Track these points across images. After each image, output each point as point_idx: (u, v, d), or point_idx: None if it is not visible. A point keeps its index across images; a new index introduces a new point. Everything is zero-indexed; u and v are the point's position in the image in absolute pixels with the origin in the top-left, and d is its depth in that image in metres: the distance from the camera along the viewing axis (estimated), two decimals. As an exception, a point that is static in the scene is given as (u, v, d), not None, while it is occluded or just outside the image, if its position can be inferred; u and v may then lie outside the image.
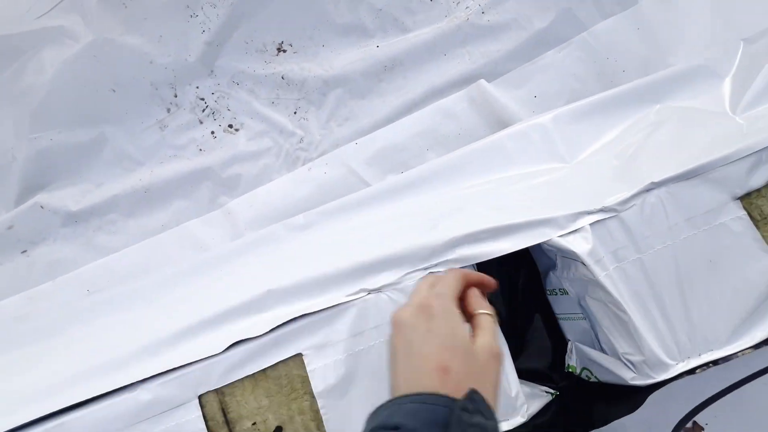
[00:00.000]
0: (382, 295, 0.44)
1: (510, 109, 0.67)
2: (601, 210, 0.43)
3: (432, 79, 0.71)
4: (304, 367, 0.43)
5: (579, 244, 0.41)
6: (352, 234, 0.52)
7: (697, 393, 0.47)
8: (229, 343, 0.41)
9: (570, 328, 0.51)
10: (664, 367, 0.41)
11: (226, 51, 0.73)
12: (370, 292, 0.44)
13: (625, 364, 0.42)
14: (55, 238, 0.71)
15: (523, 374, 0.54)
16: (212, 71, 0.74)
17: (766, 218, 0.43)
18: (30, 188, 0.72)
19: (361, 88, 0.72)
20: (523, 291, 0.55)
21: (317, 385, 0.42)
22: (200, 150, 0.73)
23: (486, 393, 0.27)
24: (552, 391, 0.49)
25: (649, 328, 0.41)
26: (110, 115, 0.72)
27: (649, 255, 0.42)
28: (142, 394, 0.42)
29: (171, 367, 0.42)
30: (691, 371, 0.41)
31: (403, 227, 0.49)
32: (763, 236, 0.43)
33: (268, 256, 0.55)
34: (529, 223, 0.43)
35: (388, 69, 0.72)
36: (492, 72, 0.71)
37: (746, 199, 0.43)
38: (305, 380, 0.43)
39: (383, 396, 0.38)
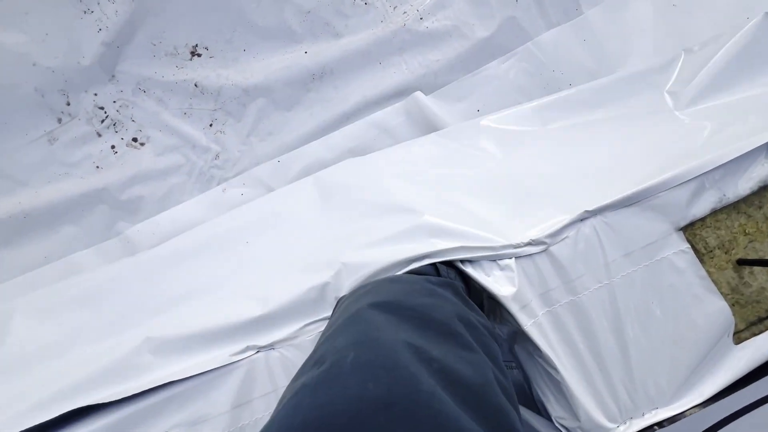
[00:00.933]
0: (274, 354, 0.37)
1: (450, 124, 0.62)
2: (529, 243, 0.37)
3: (365, 90, 0.65)
4: (172, 450, 0.34)
5: (502, 286, 0.36)
6: (246, 270, 0.44)
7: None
8: (67, 410, 0.32)
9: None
10: (604, 431, 0.36)
11: (129, 53, 0.64)
12: (259, 350, 0.37)
13: (560, 430, 0.36)
14: None
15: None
16: (113, 76, 0.64)
17: (711, 251, 0.39)
18: None
19: (286, 99, 0.65)
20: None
21: (187, 473, 0.34)
22: (97, 167, 0.63)
23: None
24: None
25: (585, 387, 0.36)
26: (-15, 126, 0.62)
27: (584, 297, 0.37)
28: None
29: None
30: (635, 435, 0.36)
31: (305, 262, 0.41)
32: (709, 272, 0.38)
33: (156, 288, 0.46)
34: (445, 251, 0.37)
35: (317, 78, 0.65)
36: (431, 83, 0.65)
37: (689, 229, 0.39)
38: (173, 466, 0.34)
39: None
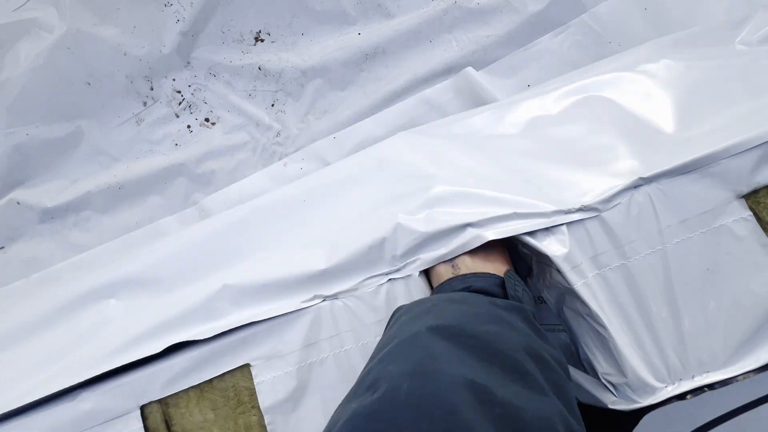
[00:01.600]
0: (338, 303, 0.41)
1: (499, 98, 0.62)
2: (580, 209, 0.38)
3: (416, 68, 0.67)
4: (252, 380, 0.40)
5: (553, 247, 0.37)
6: (312, 230, 0.49)
7: (692, 419, 0.42)
8: (168, 344, 0.39)
9: (554, 339, 0.46)
10: (651, 390, 0.37)
11: (201, 41, 0.71)
12: (325, 299, 0.41)
13: (606, 386, 0.38)
14: (32, 235, 0.71)
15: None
16: (189, 63, 0.72)
17: (776, 221, 0.38)
18: (6, 184, 0.72)
19: (340, 79, 0.69)
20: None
21: (264, 399, 0.40)
22: (176, 145, 0.71)
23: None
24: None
25: (633, 346, 0.37)
26: (86, 109, 0.71)
27: (635, 261, 0.38)
28: (83, 402, 0.40)
29: (113, 372, 0.40)
30: (682, 396, 0.37)
31: (364, 222, 0.45)
32: (773, 241, 0.37)
33: (229, 244, 0.52)
34: (497, 217, 0.39)
35: (370, 57, 0.68)
36: (481, 60, 0.66)
37: (752, 197, 0.38)
38: (252, 393, 0.40)
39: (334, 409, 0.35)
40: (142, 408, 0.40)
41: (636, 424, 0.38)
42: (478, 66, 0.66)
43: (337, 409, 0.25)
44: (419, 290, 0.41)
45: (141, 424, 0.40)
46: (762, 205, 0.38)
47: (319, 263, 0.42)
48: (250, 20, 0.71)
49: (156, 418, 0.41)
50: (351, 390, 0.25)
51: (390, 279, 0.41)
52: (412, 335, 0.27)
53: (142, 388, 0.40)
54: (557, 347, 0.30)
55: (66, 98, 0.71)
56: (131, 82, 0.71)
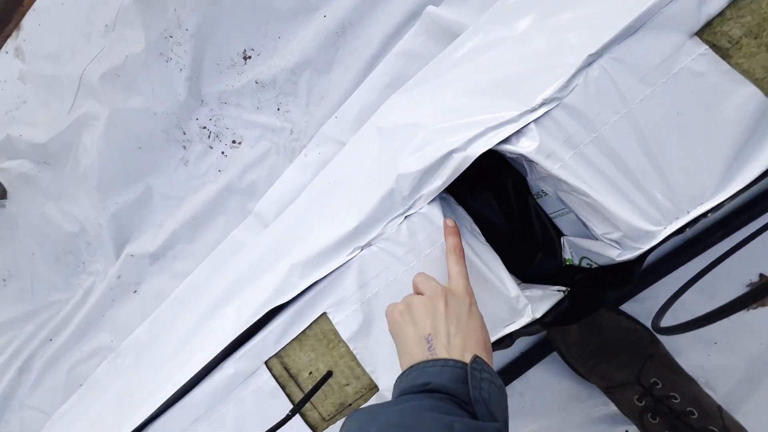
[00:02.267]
0: (373, 248, 0.51)
1: (467, 25, 0.65)
2: (543, 104, 0.42)
3: (383, 27, 0.71)
4: (331, 323, 0.52)
5: (525, 145, 0.42)
6: (335, 200, 0.58)
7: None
8: (266, 311, 0.52)
9: (563, 224, 0.52)
10: (650, 234, 0.42)
11: (204, 79, 0.82)
12: (362, 248, 0.51)
13: (609, 243, 0.43)
14: (151, 275, 0.91)
15: (540, 279, 0.57)
16: (202, 100, 0.84)
17: (738, 43, 0.39)
18: (119, 244, 0.92)
19: (323, 64, 0.76)
20: (516, 199, 0.57)
21: (344, 333, 0.52)
22: (219, 171, 0.85)
23: (484, 356, 0.35)
24: (563, 288, 0.52)
25: (621, 203, 0.41)
26: (146, 169, 0.88)
27: (606, 131, 0.41)
28: (227, 369, 0.56)
29: (238, 344, 0.54)
30: (681, 229, 0.41)
31: (375, 181, 0.54)
32: (737, 64, 0.39)
33: (287, 239, 0.65)
34: (474, 137, 0.45)
35: (341, 35, 0.74)
36: (439, -8, 0.68)
37: (707, 30, 0.39)
38: (335, 332, 0.53)
39: None
40: (266, 363, 0.55)
41: (643, 262, 0.43)
42: (438, 1, 0.68)
43: None
44: (432, 217, 0.48)
45: (269, 374, 0.55)
46: (718, 34, 0.39)
47: (352, 224, 0.52)
48: (233, 44, 0.80)
49: (278, 367, 0.55)
50: None
51: (406, 217, 0.49)
52: None
53: (260, 350, 0.55)
54: None
55: (129, 165, 0.87)
56: (168, 134, 0.85)
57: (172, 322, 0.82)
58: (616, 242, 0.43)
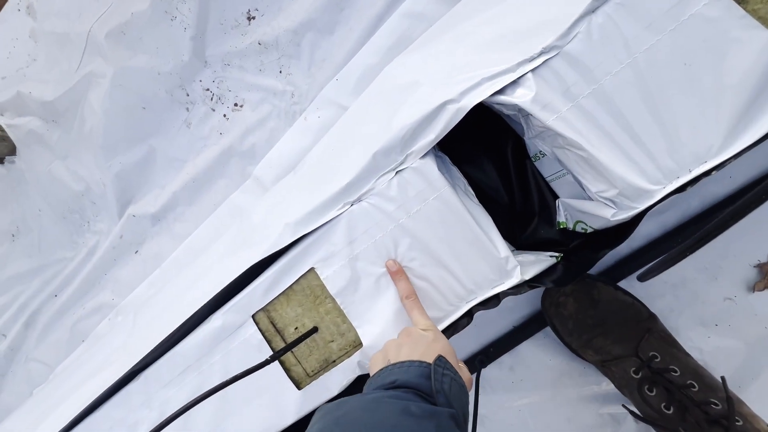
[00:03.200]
0: (363, 204, 0.50)
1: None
2: (541, 53, 0.40)
3: (389, -14, 0.69)
4: (319, 278, 0.52)
5: (520, 95, 0.41)
6: (333, 160, 0.57)
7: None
8: (252, 264, 0.52)
9: (560, 187, 0.50)
10: (647, 193, 0.40)
11: (209, 39, 0.81)
12: (352, 203, 0.50)
13: (604, 202, 0.41)
14: (152, 236, 0.93)
15: (536, 245, 0.56)
16: (206, 62, 0.83)
17: (755, -12, 0.36)
18: (122, 204, 0.93)
19: (326, 24, 0.74)
20: (514, 164, 0.55)
21: (332, 288, 0.51)
22: (220, 134, 0.85)
23: (448, 357, 0.38)
24: (557, 254, 0.50)
25: (618, 158, 0.39)
26: (150, 129, 0.88)
27: (607, 82, 0.39)
28: (215, 322, 0.56)
29: (226, 298, 0.55)
30: (681, 188, 0.39)
31: (371, 140, 0.53)
32: (753, 11, 0.36)
33: (282, 201, 0.64)
34: (469, 88, 0.43)
35: (345, -6, 0.72)
36: (447, -50, 0.66)
37: (722, -26, 0.36)
38: (323, 287, 0.52)
39: (387, 284, 0.47)
40: (253, 317, 0.55)
41: (638, 223, 0.41)
42: (446, -42, 0.66)
43: None
44: (425, 173, 0.47)
45: (256, 327, 0.55)
46: (735, -24, 0.36)
47: (344, 180, 0.51)
48: (238, 4, 0.79)
49: (264, 321, 0.55)
50: None
51: (397, 172, 0.48)
52: None
53: (247, 304, 0.55)
54: None
55: (133, 125, 0.88)
56: (172, 95, 0.85)
57: (170, 282, 0.83)
58: (612, 201, 0.41)
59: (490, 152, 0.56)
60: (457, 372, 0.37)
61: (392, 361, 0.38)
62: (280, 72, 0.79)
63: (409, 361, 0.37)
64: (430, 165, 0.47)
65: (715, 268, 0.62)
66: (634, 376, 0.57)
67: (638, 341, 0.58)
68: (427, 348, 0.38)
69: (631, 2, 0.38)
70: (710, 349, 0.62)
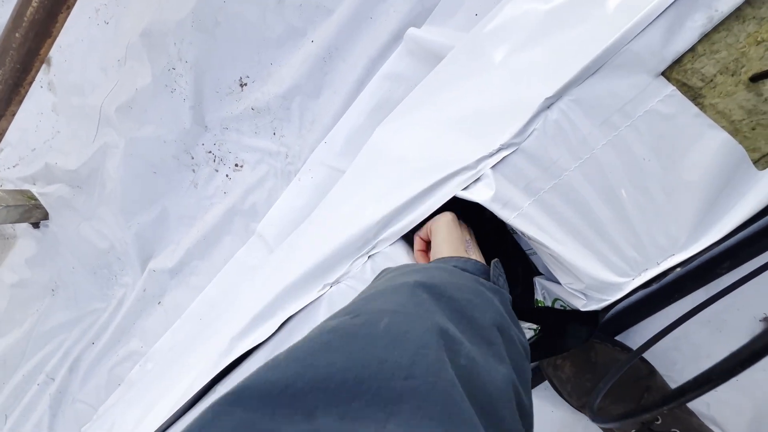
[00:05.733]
0: (341, 285, 0.52)
1: (451, 45, 0.63)
2: (500, 149, 0.41)
3: (368, 50, 0.70)
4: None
5: (481, 193, 0.41)
6: (316, 237, 0.60)
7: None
8: (241, 353, 0.55)
9: (537, 262, 0.50)
10: (615, 286, 0.39)
11: (206, 107, 0.85)
12: (331, 285, 0.53)
13: (573, 293, 0.41)
14: (171, 289, 0.99)
15: (519, 314, 0.56)
16: (206, 127, 0.88)
17: (712, 80, 0.35)
18: (143, 260, 1.00)
19: (313, 88, 0.76)
20: (495, 233, 0.55)
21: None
22: (224, 193, 0.89)
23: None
24: (534, 326, 0.50)
25: (585, 254, 0.39)
26: (162, 191, 0.94)
27: (567, 177, 0.39)
28: (219, 395, 0.60)
29: (220, 375, 0.58)
30: (648, 283, 0.38)
31: (346, 218, 0.55)
32: (711, 105, 0.35)
33: (270, 274, 0.67)
34: (434, 185, 0.44)
35: (327, 59, 0.74)
36: (422, 13, 0.66)
37: (675, 68, 0.35)
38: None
39: None
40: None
41: (611, 310, 0.41)
42: (421, 20, 0.66)
43: (318, 326, 0.26)
44: (395, 257, 0.49)
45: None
46: (689, 72, 0.35)
47: (319, 259, 0.53)
48: (230, 73, 0.82)
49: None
50: (333, 314, 0.27)
51: (369, 256, 0.50)
52: (399, 284, 0.28)
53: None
54: (521, 330, 0.32)
55: (147, 188, 0.94)
56: (178, 159, 0.91)
57: (189, 335, 0.88)
58: (581, 293, 0.41)
59: (470, 218, 0.57)
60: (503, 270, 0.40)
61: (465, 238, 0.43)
62: (274, 134, 0.83)
63: (465, 257, 0.39)
64: (400, 249, 0.49)
65: (719, 321, 0.59)
66: (633, 437, 0.56)
67: (638, 401, 0.57)
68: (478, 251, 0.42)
69: (583, 98, 0.38)
70: (716, 403, 0.60)
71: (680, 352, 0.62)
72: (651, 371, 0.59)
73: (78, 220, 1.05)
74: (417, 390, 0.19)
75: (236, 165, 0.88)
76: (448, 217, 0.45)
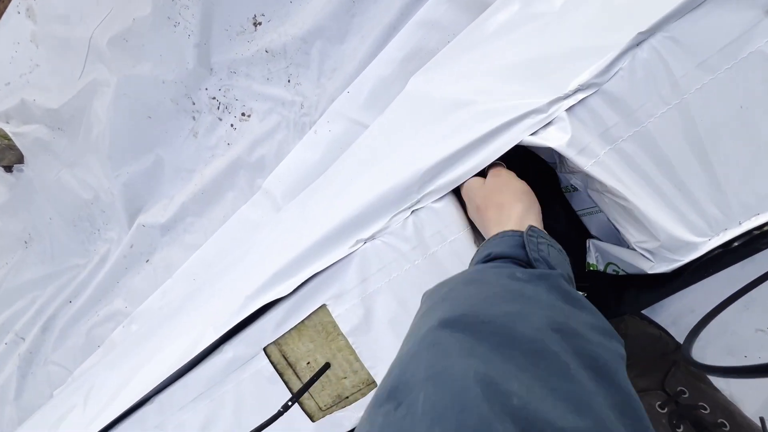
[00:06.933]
0: (377, 242, 0.47)
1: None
2: (578, 90, 0.36)
3: (404, -9, 0.64)
4: (330, 315, 0.50)
5: (555, 138, 0.37)
6: (346, 189, 0.55)
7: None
8: (265, 303, 0.50)
9: (591, 223, 0.47)
10: (691, 246, 0.36)
11: (213, 46, 0.77)
12: (366, 241, 0.48)
13: (642, 253, 0.38)
14: (162, 246, 0.91)
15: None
16: (211, 69, 0.79)
17: (831, 22, 0.31)
18: (131, 214, 0.91)
19: (337, 32, 0.69)
20: (541, 191, 0.52)
21: (344, 326, 0.49)
22: (228, 144, 0.82)
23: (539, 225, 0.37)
24: (580, 292, 0.47)
25: (663, 209, 0.36)
26: (156, 139, 0.85)
27: (651, 125, 0.35)
28: (227, 353, 0.55)
29: (237, 329, 0.53)
30: (728, 243, 0.35)
31: (384, 169, 0.50)
32: (826, 50, 0.31)
33: (290, 229, 0.62)
34: (497, 129, 0.39)
35: (357, 0, 0.67)
36: (468, -48, 0.60)
37: (793, 6, 0.31)
38: (335, 325, 0.50)
39: (401, 323, 0.43)
40: (265, 350, 0.53)
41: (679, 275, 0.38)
42: (467, -39, 0.60)
43: (366, 412, 0.24)
44: (442, 214, 0.44)
45: (267, 360, 0.53)
46: (808, 10, 0.31)
47: (355, 210, 0.48)
48: (243, 9, 0.74)
49: (276, 354, 0.54)
50: (375, 393, 0.24)
51: (413, 211, 0.45)
52: (424, 333, 0.25)
53: (258, 336, 0.53)
54: (591, 310, 0.27)
55: (140, 134, 0.85)
56: (177, 104, 0.82)
57: (182, 296, 0.82)
58: (651, 252, 0.38)
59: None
60: (551, 238, 0.35)
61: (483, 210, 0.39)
62: (289, 81, 0.75)
63: (501, 232, 0.35)
64: (449, 206, 0.44)
65: (747, 297, 0.58)
66: (660, 410, 0.55)
67: (665, 374, 0.55)
68: (520, 212, 0.37)
69: (682, 36, 0.34)
70: (737, 381, 0.59)
71: (706, 328, 0.61)
72: (677, 346, 0.58)
73: (58, 165, 0.95)
74: None
75: (243, 114, 0.80)
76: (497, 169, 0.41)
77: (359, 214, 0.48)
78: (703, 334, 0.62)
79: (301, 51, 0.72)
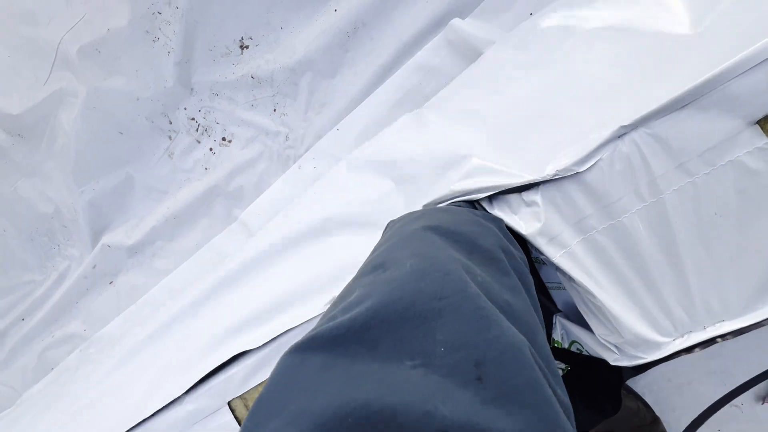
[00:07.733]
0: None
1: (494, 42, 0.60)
2: (555, 175, 0.39)
3: (401, 32, 0.66)
4: (302, 372, 0.51)
5: (527, 223, 0.39)
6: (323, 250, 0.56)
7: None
8: (232, 355, 0.51)
9: (558, 298, 0.50)
10: (655, 345, 0.39)
11: (195, 66, 0.78)
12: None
13: (606, 345, 0.41)
14: (128, 269, 0.91)
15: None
16: (192, 89, 0.80)
17: (804, 142, 0.34)
18: (96, 232, 0.91)
19: (329, 66, 0.71)
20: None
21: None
22: (205, 169, 0.83)
23: None
24: (563, 366, 0.50)
25: (629, 306, 0.39)
26: (127, 156, 0.85)
27: (626, 219, 0.38)
28: (187, 405, 0.56)
29: (199, 379, 0.54)
30: (690, 348, 0.38)
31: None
32: (798, 168, 0.34)
33: (267, 273, 0.63)
34: (467, 191, 0.42)
35: (352, 35, 0.69)
36: (468, 3, 0.63)
37: (770, 122, 0.35)
38: (306, 382, 0.52)
39: None
40: (229, 404, 0.55)
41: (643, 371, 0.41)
42: (467, 11, 0.63)
43: (349, 284, 0.30)
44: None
45: (231, 415, 0.54)
46: (784, 127, 0.35)
47: (332, 268, 0.50)
48: (229, 30, 0.75)
49: (241, 409, 0.55)
50: (357, 272, 0.31)
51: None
52: (410, 232, 0.33)
53: (223, 389, 0.55)
54: (520, 249, 0.37)
55: (109, 150, 0.85)
56: (152, 122, 0.82)
57: (148, 330, 0.82)
58: (615, 346, 0.41)
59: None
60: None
61: None
62: (274, 110, 0.77)
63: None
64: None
65: (725, 373, 0.62)
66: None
67: (640, 446, 0.59)
68: None
69: (663, 134, 0.36)
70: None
71: (682, 397, 0.64)
72: (654, 419, 0.61)
73: (15, 175, 0.93)
74: (451, 304, 0.24)
75: (224, 139, 0.81)
76: None
77: (336, 271, 0.50)
78: (679, 403, 0.66)
79: (289, 81, 0.74)
